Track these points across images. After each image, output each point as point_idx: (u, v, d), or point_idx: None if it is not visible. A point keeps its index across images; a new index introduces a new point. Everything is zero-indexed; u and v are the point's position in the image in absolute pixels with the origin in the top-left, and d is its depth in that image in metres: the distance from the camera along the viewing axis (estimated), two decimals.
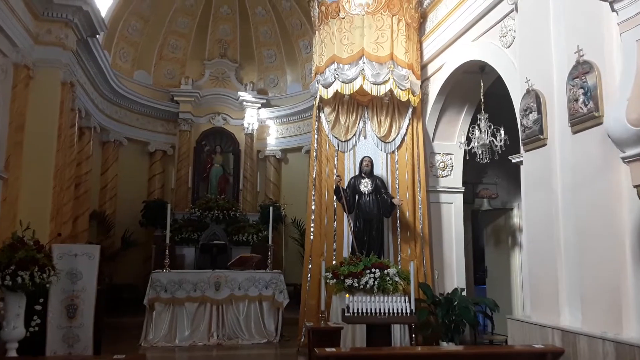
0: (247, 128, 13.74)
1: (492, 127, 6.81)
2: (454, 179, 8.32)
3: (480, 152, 6.86)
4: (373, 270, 6.86)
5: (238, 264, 8.51)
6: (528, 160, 5.32)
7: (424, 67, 8.10)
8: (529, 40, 5.43)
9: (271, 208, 8.80)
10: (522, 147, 5.42)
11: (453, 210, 8.22)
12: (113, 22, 11.98)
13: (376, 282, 6.78)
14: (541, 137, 5.02)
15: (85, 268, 6.48)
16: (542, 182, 5.06)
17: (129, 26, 12.66)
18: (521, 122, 5.31)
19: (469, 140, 7.03)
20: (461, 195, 8.31)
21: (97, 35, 9.48)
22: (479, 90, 7.27)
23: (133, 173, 13.00)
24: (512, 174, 9.62)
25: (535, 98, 5.12)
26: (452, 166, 8.31)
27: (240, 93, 13.66)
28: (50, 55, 8.19)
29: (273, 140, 14.09)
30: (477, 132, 6.84)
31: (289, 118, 13.84)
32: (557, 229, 4.86)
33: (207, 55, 13.99)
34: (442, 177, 8.30)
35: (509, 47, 5.95)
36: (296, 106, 13.45)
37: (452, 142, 8.29)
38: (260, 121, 13.94)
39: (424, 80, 8.11)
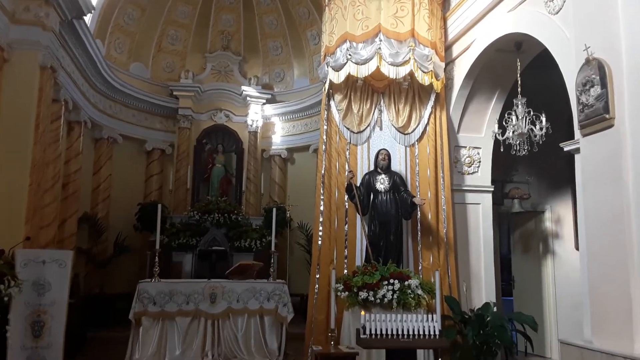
0: (251, 125, 12.81)
1: (532, 113, 5.80)
2: (481, 176, 7.30)
3: (517, 142, 5.84)
4: (391, 281, 5.85)
5: (237, 273, 7.52)
6: (588, 147, 4.30)
7: (448, 48, 7.12)
8: (585, 2, 4.42)
9: (274, 210, 7.79)
10: (578, 131, 4.41)
11: (481, 211, 7.20)
12: (107, 9, 11.13)
13: (395, 296, 5.76)
14: (607, 116, 4.01)
15: (55, 277, 5.57)
16: (609, 174, 4.04)
17: (124, 15, 11.77)
18: (579, 99, 4.30)
19: (503, 129, 6.02)
20: (490, 195, 7.30)
21: (84, 17, 8.59)
22: (513, 72, 6.28)
23: (128, 173, 12.08)
24: (544, 172, 8.64)
25: (597, 69, 4.11)
26: (480, 161, 7.29)
27: (243, 88, 12.74)
28: (28, 35, 7.29)
29: (278, 139, 13.14)
30: (513, 118, 5.83)
31: (296, 114, 12.89)
32: (629, 232, 3.85)
33: (208, 48, 13.08)
34: (468, 174, 7.28)
35: (557, 13, 4.95)
36: (303, 101, 12.50)
37: (480, 134, 7.28)
38: (264, 118, 13.01)
39: (448, 63, 7.11)
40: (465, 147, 7.26)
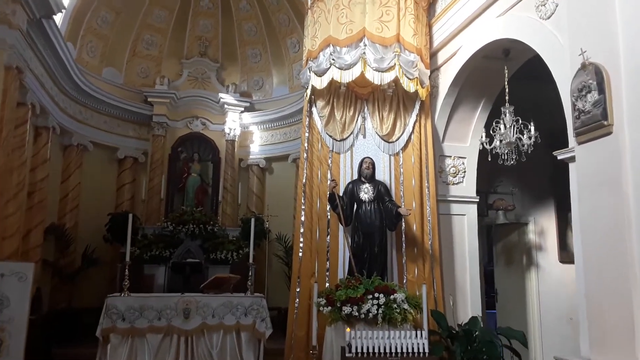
0: (229, 134, 12.47)
1: (520, 121, 5.65)
2: (466, 186, 7.12)
3: (505, 151, 5.68)
4: (376, 295, 5.57)
5: (212, 287, 7.13)
6: (584, 155, 4.12)
7: (433, 55, 6.95)
8: (580, 4, 4.28)
9: (252, 220, 7.44)
10: (573, 139, 4.23)
11: (466, 223, 7.00)
12: (79, 11, 10.71)
13: (381, 311, 5.48)
14: (605, 122, 3.84)
15: (14, 292, 5.15)
16: (607, 183, 3.86)
17: (97, 17, 11.35)
18: (574, 105, 4.13)
19: (490, 138, 5.85)
20: (475, 206, 7.11)
21: (54, 17, 8.20)
22: (500, 80, 6.15)
23: (99, 182, 11.57)
24: (528, 183, 8.54)
25: (594, 74, 3.95)
26: (465, 172, 7.11)
27: (221, 95, 12.40)
28: None
29: (257, 148, 12.82)
30: (501, 127, 5.67)
31: (275, 123, 12.60)
32: (630, 243, 3.66)
33: (185, 54, 12.74)
34: (453, 184, 7.09)
35: (548, 18, 4.81)
36: (283, 110, 12.23)
37: (465, 143, 7.11)
38: (242, 126, 12.68)
39: (433, 70, 6.94)
40: (450, 156, 7.08)
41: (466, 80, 6.56)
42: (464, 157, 7.10)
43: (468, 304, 6.77)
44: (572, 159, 4.30)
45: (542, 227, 8.49)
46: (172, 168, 12.10)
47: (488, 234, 9.71)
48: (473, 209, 7.07)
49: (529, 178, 8.33)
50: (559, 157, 4.48)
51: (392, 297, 5.60)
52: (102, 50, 11.68)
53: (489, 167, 7.41)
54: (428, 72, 6.68)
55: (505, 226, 8.70)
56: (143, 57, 12.41)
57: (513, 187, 8.09)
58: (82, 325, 9.63)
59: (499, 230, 9.00)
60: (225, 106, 12.42)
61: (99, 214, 11.03)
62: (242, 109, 12.56)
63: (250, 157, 12.78)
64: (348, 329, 4.47)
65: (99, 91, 11.23)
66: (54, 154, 10.19)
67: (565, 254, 8.21)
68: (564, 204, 8.27)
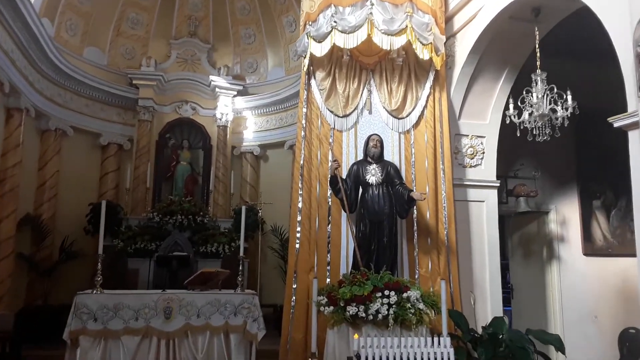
0: (220, 119, 11.63)
1: (555, 90, 4.83)
2: (485, 169, 6.31)
3: (538, 124, 4.86)
4: (387, 292, 4.76)
5: (198, 283, 6.33)
6: None
7: (448, 20, 6.13)
8: None
9: (243, 208, 6.62)
10: (636, 101, 3.42)
11: (485, 210, 6.21)
12: None
13: (392, 311, 4.67)
14: None
15: None
16: None
17: None
18: (639, 58, 3.32)
19: (518, 110, 5.04)
20: (495, 192, 6.33)
21: None
22: (526, 46, 5.36)
23: (80, 170, 10.70)
24: (548, 168, 7.73)
25: None
26: (484, 152, 6.31)
27: (212, 78, 11.55)
28: None
29: (250, 134, 11.98)
30: (533, 96, 4.85)
31: (270, 108, 11.76)
32: None
33: (173, 34, 11.86)
34: (470, 166, 6.30)
35: None
36: (278, 94, 11.39)
37: (484, 120, 6.30)
38: (235, 111, 11.84)
39: (449, 37, 6.12)
40: (467, 135, 6.27)
41: (487, 47, 5.74)
42: (483, 137, 6.29)
43: (488, 303, 6.01)
44: (634, 125, 3.49)
45: (564, 216, 7.70)
46: (159, 155, 11.29)
47: (501, 223, 8.94)
48: (493, 195, 6.28)
49: (550, 163, 7.56)
50: (616, 124, 3.66)
51: (405, 295, 4.79)
52: (83, 29, 10.79)
53: (508, 149, 6.64)
54: (443, 38, 5.87)
55: (522, 215, 7.90)
56: (128, 37, 11.53)
57: (535, 171, 7.28)
58: (60, 324, 8.83)
59: (516, 220, 8.21)
60: (217, 90, 11.59)
61: (79, 204, 10.21)
62: (235, 92, 11.73)
63: (244, 144, 11.96)
64: (356, 336, 3.67)
65: (79, 72, 10.37)
66: (30, 138, 9.36)
67: (590, 246, 7.44)
68: (588, 191, 7.51)
